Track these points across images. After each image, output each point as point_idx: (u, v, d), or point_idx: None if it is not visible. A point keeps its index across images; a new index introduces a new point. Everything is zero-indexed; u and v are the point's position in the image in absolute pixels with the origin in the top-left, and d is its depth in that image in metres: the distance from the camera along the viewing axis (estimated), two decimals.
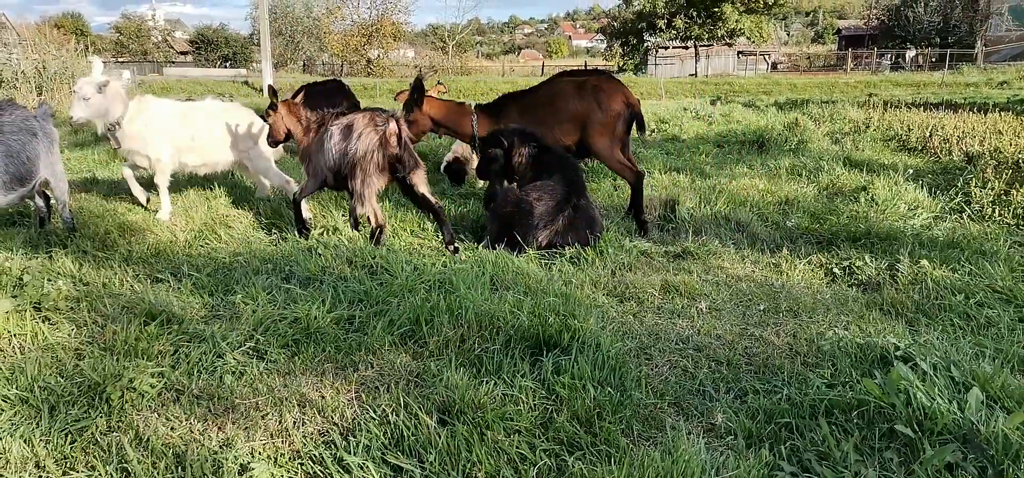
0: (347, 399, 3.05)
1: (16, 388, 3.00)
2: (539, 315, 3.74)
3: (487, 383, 3.11)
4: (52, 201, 5.92)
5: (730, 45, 47.45)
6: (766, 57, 50.13)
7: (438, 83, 9.10)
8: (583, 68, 7.68)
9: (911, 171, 8.06)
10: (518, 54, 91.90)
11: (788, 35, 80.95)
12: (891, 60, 46.53)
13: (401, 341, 3.62)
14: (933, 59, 44.38)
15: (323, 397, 3.04)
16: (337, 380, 3.21)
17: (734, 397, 3.16)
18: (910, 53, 46.06)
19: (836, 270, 4.95)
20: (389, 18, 47.44)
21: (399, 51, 50.02)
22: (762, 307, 4.28)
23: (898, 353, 3.29)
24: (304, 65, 50.72)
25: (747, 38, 46.82)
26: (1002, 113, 12.88)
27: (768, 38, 49.70)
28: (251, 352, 3.47)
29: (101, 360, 3.25)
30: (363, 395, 3.07)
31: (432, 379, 3.18)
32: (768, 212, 6.53)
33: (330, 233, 5.71)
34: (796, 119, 12.79)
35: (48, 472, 2.53)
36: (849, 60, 47.85)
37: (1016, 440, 2.50)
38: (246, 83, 35.32)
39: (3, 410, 2.89)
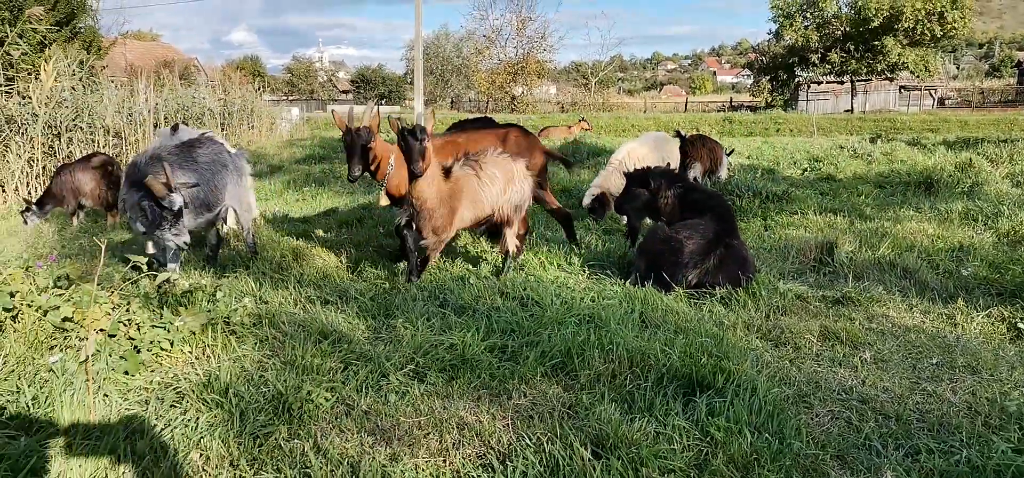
0: (503, 425, 3.16)
1: (213, 393, 3.36)
2: (691, 355, 3.70)
3: (640, 420, 3.12)
4: (231, 225, 6.57)
5: (891, 79, 44.39)
6: (932, 92, 46.45)
7: (581, 120, 9.25)
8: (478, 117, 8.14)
9: None
10: (660, 90, 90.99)
11: (958, 69, 74.66)
12: None
13: (552, 372, 3.70)
14: None
15: (480, 422, 3.17)
16: (492, 406, 3.33)
17: (904, 455, 2.97)
18: None
19: (1021, 325, 4.52)
20: (534, 56, 48.61)
21: (542, 88, 51.08)
22: (935, 360, 3.99)
23: None
24: (452, 102, 53.06)
25: (910, 72, 43.49)
26: None
27: (935, 72, 45.95)
28: (412, 374, 3.68)
29: (282, 373, 3.57)
30: (518, 423, 3.18)
31: (584, 412, 3.23)
32: (939, 259, 6.07)
33: (480, 264, 5.93)
34: (969, 159, 11.77)
35: (242, 471, 2.82)
36: None
37: None
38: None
39: (202, 412, 3.25)
